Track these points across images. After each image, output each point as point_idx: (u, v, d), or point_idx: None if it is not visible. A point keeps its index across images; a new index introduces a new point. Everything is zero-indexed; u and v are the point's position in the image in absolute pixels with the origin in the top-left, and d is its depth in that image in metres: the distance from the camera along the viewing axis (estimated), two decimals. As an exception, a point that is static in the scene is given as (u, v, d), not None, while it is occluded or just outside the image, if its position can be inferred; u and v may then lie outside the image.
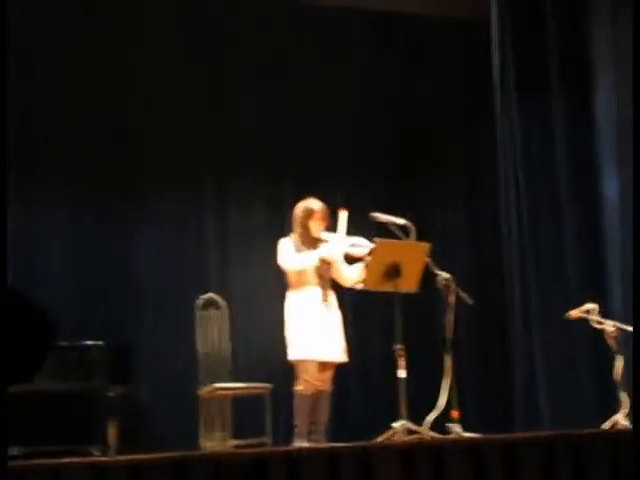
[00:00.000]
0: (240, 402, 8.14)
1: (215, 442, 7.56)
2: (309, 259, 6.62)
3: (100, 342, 7.36)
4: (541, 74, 9.13)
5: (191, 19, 9.14)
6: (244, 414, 8.16)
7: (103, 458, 6.56)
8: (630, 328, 6.90)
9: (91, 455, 7.26)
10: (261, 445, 7.43)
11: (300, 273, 6.68)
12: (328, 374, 6.72)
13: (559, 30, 9.09)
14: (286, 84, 9.36)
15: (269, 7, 9.31)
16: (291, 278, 6.74)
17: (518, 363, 8.94)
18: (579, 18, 9.04)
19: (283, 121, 9.31)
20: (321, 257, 6.65)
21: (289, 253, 6.68)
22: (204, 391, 7.52)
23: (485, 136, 9.69)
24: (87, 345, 7.32)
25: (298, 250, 6.70)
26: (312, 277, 6.67)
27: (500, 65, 9.21)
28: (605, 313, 7.35)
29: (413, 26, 9.82)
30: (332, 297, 6.78)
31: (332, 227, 6.77)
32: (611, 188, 8.63)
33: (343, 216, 6.65)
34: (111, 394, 7.36)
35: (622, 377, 6.76)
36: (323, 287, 6.69)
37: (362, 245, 6.62)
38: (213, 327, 7.86)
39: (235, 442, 7.63)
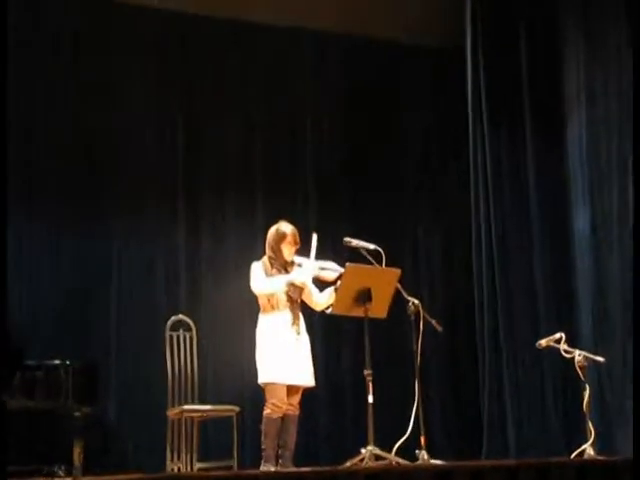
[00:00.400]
0: (208, 424, 8.10)
1: (181, 464, 7.50)
2: (279, 283, 6.60)
3: (68, 361, 7.30)
4: (514, 105, 9.20)
5: (161, 46, 9.18)
6: (212, 436, 8.11)
7: (67, 479, 6.50)
8: (598, 358, 6.92)
9: (56, 475, 7.18)
10: (227, 468, 7.38)
11: (271, 297, 6.64)
12: (296, 398, 6.67)
13: (532, 63, 9.17)
14: (258, 108, 9.41)
15: (241, 30, 9.37)
16: (262, 301, 6.71)
17: (487, 391, 8.93)
18: (553, 53, 9.10)
19: (255, 145, 9.37)
20: (291, 282, 6.63)
21: (260, 277, 6.65)
22: (172, 412, 7.47)
23: (457, 165, 9.76)
24: (55, 364, 7.24)
25: (269, 273, 6.66)
26: (283, 301, 6.63)
27: (472, 95, 9.27)
28: (574, 343, 7.37)
29: (386, 51, 9.92)
30: (302, 321, 6.74)
31: (303, 250, 6.75)
32: (581, 219, 8.68)
33: (315, 239, 6.65)
34: (78, 414, 7.27)
35: (589, 407, 6.77)
36: (293, 311, 6.65)
37: (333, 269, 6.60)
38: (182, 348, 7.82)
39: (201, 465, 7.57)
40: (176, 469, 7.42)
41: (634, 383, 5.97)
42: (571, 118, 8.86)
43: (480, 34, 9.22)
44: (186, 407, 7.44)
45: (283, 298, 6.64)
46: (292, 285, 6.65)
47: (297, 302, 6.72)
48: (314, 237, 6.63)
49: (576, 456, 6.74)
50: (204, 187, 9.16)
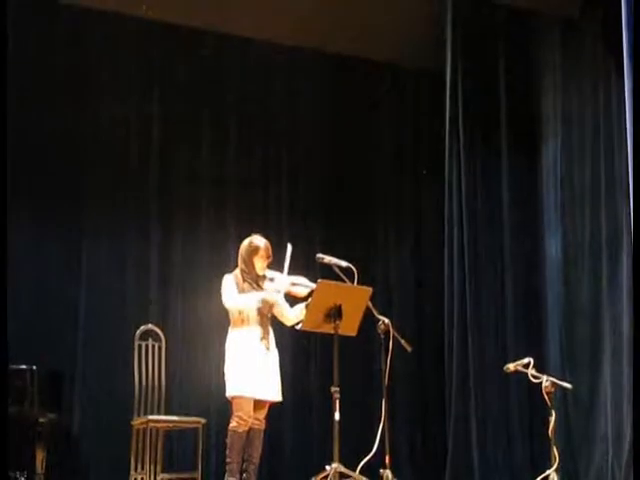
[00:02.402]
0: (173, 435, 8.05)
1: (145, 475, 7.45)
2: (251, 301, 6.58)
3: (34, 367, 7.23)
4: (490, 126, 9.20)
5: (140, 53, 9.14)
6: (177, 448, 8.06)
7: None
8: (566, 384, 6.92)
9: (17, 482, 7.13)
10: (191, 480, 7.35)
11: (241, 311, 6.61)
12: (263, 412, 6.64)
13: (509, 85, 9.16)
14: (233, 120, 9.42)
15: (219, 42, 9.35)
16: (232, 315, 6.67)
17: (453, 412, 8.89)
18: (530, 76, 9.13)
19: (229, 158, 9.36)
20: (264, 299, 6.61)
21: (231, 291, 6.61)
22: (137, 422, 7.42)
23: (433, 186, 9.76)
24: (20, 369, 7.18)
25: (241, 287, 6.63)
26: (253, 315, 6.59)
27: (450, 115, 9.24)
28: (542, 367, 7.37)
29: (364, 69, 9.91)
30: (271, 336, 6.71)
31: (276, 265, 6.72)
32: (552, 244, 8.70)
33: (289, 249, 6.61)
34: (42, 420, 7.22)
35: (554, 433, 6.77)
36: (263, 326, 6.62)
37: (304, 285, 6.57)
38: (151, 358, 7.77)
39: (165, 476, 7.52)
40: (139, 479, 7.37)
41: (634, 383, 5.96)
42: (546, 141, 8.89)
43: (459, 55, 9.20)
44: (151, 417, 7.38)
45: (254, 313, 6.60)
46: (264, 302, 6.62)
47: (267, 317, 6.68)
48: (289, 247, 6.60)
49: (540, 482, 6.73)
50: (177, 198, 9.11)
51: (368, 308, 6.45)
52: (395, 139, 10.12)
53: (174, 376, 8.32)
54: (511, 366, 6.98)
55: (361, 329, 6.48)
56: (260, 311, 6.63)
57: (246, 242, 6.79)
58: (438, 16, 9.27)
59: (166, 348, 7.85)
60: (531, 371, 6.87)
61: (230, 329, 6.68)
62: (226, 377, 6.59)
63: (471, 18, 9.24)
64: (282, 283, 6.58)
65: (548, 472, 6.69)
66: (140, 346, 7.73)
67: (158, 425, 7.45)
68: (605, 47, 8.07)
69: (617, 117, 7.85)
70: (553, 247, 8.68)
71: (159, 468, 7.51)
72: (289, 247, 6.58)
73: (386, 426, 6.35)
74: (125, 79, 9.01)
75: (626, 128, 6.99)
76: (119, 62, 8.97)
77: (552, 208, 8.71)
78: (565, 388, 7.01)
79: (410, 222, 10.07)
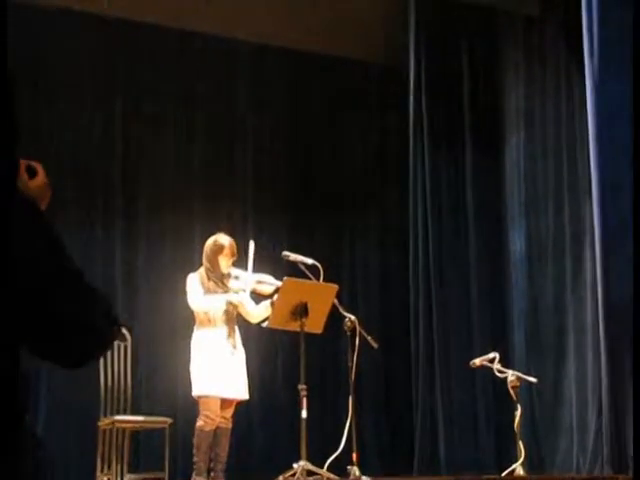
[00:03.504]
0: (140, 435, 7.99)
1: (112, 475, 7.38)
2: (216, 303, 6.55)
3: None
4: (454, 126, 9.25)
5: (101, 54, 9.05)
6: (144, 448, 8.00)
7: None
8: (531, 378, 6.95)
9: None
10: (158, 480, 7.30)
11: (207, 311, 6.58)
12: (230, 411, 6.61)
13: (473, 84, 9.24)
14: (198, 119, 9.38)
15: (183, 39, 9.29)
16: (198, 314, 6.63)
17: (420, 407, 8.93)
18: (493, 76, 9.18)
19: (194, 156, 9.31)
20: (229, 302, 6.58)
21: (196, 292, 6.57)
22: (103, 423, 7.36)
23: (398, 182, 9.78)
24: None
25: (206, 286, 6.59)
26: (219, 315, 6.56)
27: (414, 114, 9.30)
28: (507, 362, 7.40)
29: (328, 67, 9.88)
30: (237, 334, 6.68)
31: (241, 263, 6.68)
32: (516, 240, 8.74)
33: (252, 247, 6.59)
34: (7, 422, 7.12)
35: (520, 427, 6.79)
36: (229, 324, 6.58)
37: (270, 282, 6.54)
38: (117, 358, 7.70)
39: (132, 476, 7.46)
40: (106, 480, 7.32)
41: (634, 385, 5.99)
42: (509, 140, 8.94)
43: (423, 55, 9.24)
44: (118, 418, 7.31)
45: (219, 312, 6.57)
46: (229, 304, 6.60)
47: (233, 315, 6.65)
48: (251, 245, 6.57)
49: (507, 475, 6.76)
50: (142, 197, 9.03)
51: (334, 305, 6.44)
52: (361, 137, 10.10)
53: (141, 376, 8.25)
54: (477, 361, 7.00)
55: (327, 326, 6.47)
56: (226, 310, 6.60)
57: (211, 241, 6.74)
58: (402, 15, 9.28)
59: (132, 348, 7.77)
60: (496, 366, 6.89)
61: (196, 328, 6.65)
62: (192, 376, 6.56)
63: (434, 17, 9.27)
64: (247, 281, 6.55)
65: (514, 465, 6.72)
66: (106, 346, 7.64)
67: (125, 425, 7.38)
68: (566, 45, 8.11)
69: (579, 115, 7.88)
70: (517, 244, 8.72)
71: (126, 468, 7.43)
72: (251, 244, 6.56)
73: (353, 423, 6.34)
74: (88, 78, 8.93)
75: (588, 126, 7.06)
76: (78, 60, 8.89)
77: (516, 205, 8.76)
78: (530, 382, 7.04)
79: (376, 220, 10.06)
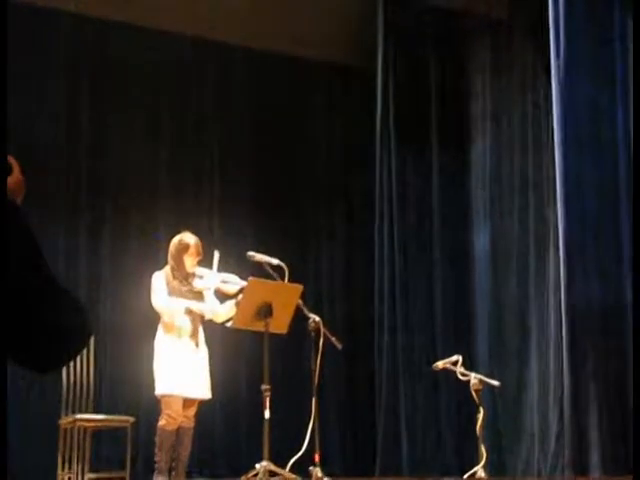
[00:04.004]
0: (102, 434, 7.94)
1: (72, 474, 7.31)
2: (178, 307, 6.51)
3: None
4: (421, 125, 9.27)
5: (67, 51, 9.01)
6: (105, 447, 7.95)
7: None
8: (493, 382, 6.95)
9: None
10: (119, 479, 7.24)
11: (166, 312, 6.54)
12: (192, 410, 6.58)
13: (440, 84, 9.26)
14: (163, 118, 9.35)
15: (147, 37, 9.23)
16: (162, 314, 6.58)
17: (382, 408, 8.93)
18: (461, 76, 9.20)
19: (159, 155, 9.28)
20: (188, 309, 6.54)
21: (160, 292, 6.54)
22: (64, 421, 7.29)
23: (364, 182, 9.78)
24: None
25: (171, 285, 6.55)
26: (182, 313, 6.54)
27: (381, 113, 9.31)
28: (471, 364, 7.41)
29: (291, 67, 9.85)
30: (201, 333, 6.65)
31: (206, 263, 6.65)
32: (481, 240, 8.76)
33: (216, 257, 6.56)
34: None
35: (482, 430, 6.79)
36: (193, 323, 6.55)
37: (234, 282, 6.52)
38: (79, 356, 7.62)
39: (92, 475, 7.40)
40: (67, 479, 7.25)
41: (634, 388, 6.02)
42: (476, 140, 8.96)
43: (391, 53, 9.26)
44: (79, 416, 7.25)
45: (181, 313, 6.54)
46: (189, 311, 6.55)
47: (197, 314, 6.61)
48: (216, 255, 6.56)
49: (468, 477, 6.76)
50: (107, 194, 8.98)
51: (299, 306, 6.41)
52: (327, 137, 10.11)
53: (103, 374, 8.23)
54: (440, 364, 6.99)
55: (292, 327, 6.45)
56: (189, 311, 6.57)
57: (176, 239, 6.71)
58: (370, 15, 9.27)
59: (95, 345, 7.71)
60: (459, 369, 6.88)
61: (159, 326, 6.61)
62: (155, 375, 6.52)
63: (402, 18, 9.26)
64: (212, 280, 6.53)
65: (476, 468, 6.72)
66: (68, 344, 7.58)
67: (86, 424, 7.31)
68: (534, 47, 8.14)
69: (545, 117, 7.91)
70: (482, 243, 8.74)
71: (87, 467, 7.37)
72: (216, 255, 6.54)
73: (316, 424, 6.31)
74: (53, 75, 8.87)
75: (554, 127, 7.09)
76: (45, 55, 8.82)
77: (481, 205, 8.79)
78: (493, 386, 7.04)
79: (341, 220, 10.07)
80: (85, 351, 7.58)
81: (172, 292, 6.55)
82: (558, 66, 7.05)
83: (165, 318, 6.55)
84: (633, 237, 6.33)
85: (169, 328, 6.55)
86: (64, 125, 8.90)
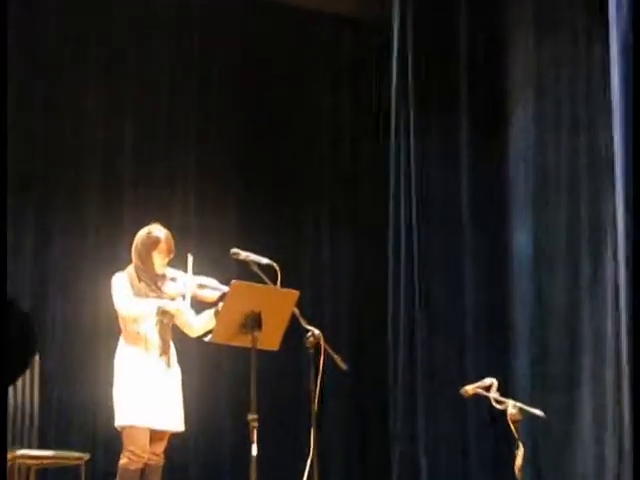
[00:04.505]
0: (49, 474, 7.97)
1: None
2: (148, 307, 6.57)
3: None
4: (447, 90, 9.28)
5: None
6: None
7: None
8: (537, 412, 6.95)
9: None
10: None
11: (136, 319, 6.61)
12: (161, 445, 6.65)
13: (472, 42, 9.24)
14: (129, 84, 9.39)
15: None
16: (124, 323, 6.66)
17: (398, 442, 9.00)
18: (497, 33, 9.17)
19: (124, 130, 9.34)
20: (162, 309, 6.61)
21: (125, 294, 6.60)
22: (2, 459, 7.32)
23: (375, 165, 9.86)
24: None
25: (136, 287, 6.63)
26: (150, 324, 6.60)
27: (397, 75, 9.37)
28: (507, 388, 7.40)
29: (290, 17, 9.92)
30: (173, 350, 6.72)
31: (178, 264, 6.71)
32: (521, 235, 8.74)
33: (190, 260, 6.61)
34: None
35: (521, 470, 6.79)
36: (163, 337, 6.62)
37: (214, 287, 6.58)
38: (21, 381, 7.66)
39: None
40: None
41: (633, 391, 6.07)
42: (515, 116, 8.93)
43: (411, 8, 9.27)
44: (21, 452, 7.28)
45: (151, 321, 6.60)
46: (164, 312, 6.60)
47: (168, 327, 6.68)
48: (189, 259, 6.61)
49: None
50: (58, 182, 9.02)
51: (294, 316, 6.41)
52: (330, 106, 10.14)
53: (51, 400, 8.25)
54: (469, 388, 6.97)
55: (285, 342, 6.48)
56: (159, 320, 6.63)
57: (143, 232, 6.77)
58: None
59: (41, 365, 7.74)
60: (494, 394, 6.86)
61: (121, 342, 6.67)
62: (115, 402, 6.57)
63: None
64: (186, 285, 6.58)
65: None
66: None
67: (29, 462, 7.34)
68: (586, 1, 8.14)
69: (601, 87, 7.86)
70: (522, 243, 8.72)
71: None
72: (190, 259, 6.60)
73: (315, 460, 6.30)
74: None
75: (612, 100, 7.05)
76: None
77: (521, 195, 8.75)
78: (535, 415, 7.04)
79: (346, 212, 10.10)
80: (28, 372, 7.61)
81: (137, 297, 6.61)
82: (619, 24, 6.98)
83: (128, 327, 6.61)
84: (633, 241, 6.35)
85: (133, 339, 6.60)
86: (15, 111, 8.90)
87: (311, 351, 6.40)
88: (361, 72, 10.17)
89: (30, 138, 8.87)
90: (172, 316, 6.71)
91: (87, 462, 7.42)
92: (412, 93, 9.26)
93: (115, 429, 6.59)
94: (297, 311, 6.43)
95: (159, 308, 6.60)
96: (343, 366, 6.51)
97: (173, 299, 6.70)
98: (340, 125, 10.17)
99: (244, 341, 6.29)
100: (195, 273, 6.59)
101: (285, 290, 6.42)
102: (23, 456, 7.28)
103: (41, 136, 8.97)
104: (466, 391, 6.96)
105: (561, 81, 8.44)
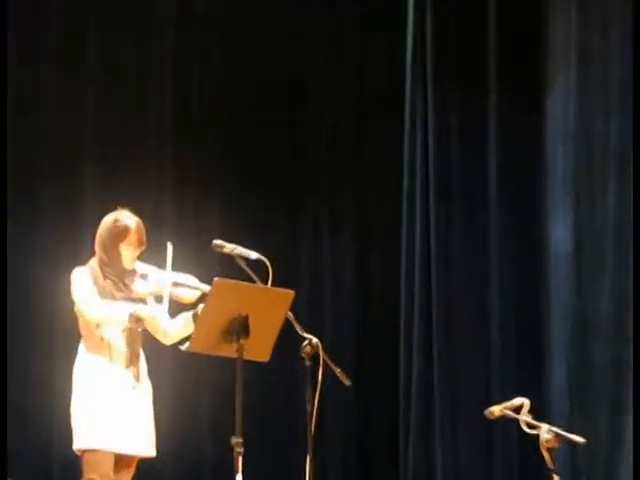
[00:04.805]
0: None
1: None
2: (119, 313, 6.49)
3: None
4: (473, 56, 9.28)
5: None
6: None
7: None
8: (576, 438, 6.86)
9: None
10: None
11: (100, 324, 6.53)
12: (128, 474, 6.59)
13: (502, 3, 9.21)
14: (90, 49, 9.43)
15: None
16: (84, 328, 6.58)
17: (410, 471, 9.02)
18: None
19: (86, 98, 9.37)
20: (136, 316, 6.51)
21: (88, 293, 6.52)
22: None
23: (385, 143, 9.84)
24: None
25: (100, 285, 6.55)
26: (115, 329, 6.53)
27: (414, 38, 9.40)
28: (541, 411, 7.33)
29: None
30: (142, 361, 6.67)
31: (152, 257, 6.63)
32: (560, 228, 8.69)
33: (170, 250, 6.53)
34: None
35: (557, 504, 6.75)
36: (131, 345, 6.55)
37: (192, 286, 6.50)
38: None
39: None
40: None
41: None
42: (554, 82, 8.87)
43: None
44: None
45: (118, 327, 6.53)
46: (135, 319, 6.50)
47: (137, 332, 6.60)
48: (169, 248, 6.52)
49: None
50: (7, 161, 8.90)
51: (288, 321, 6.35)
52: (335, 74, 10.06)
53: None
54: (496, 409, 6.91)
55: (277, 352, 6.40)
56: (127, 327, 6.57)
57: (109, 220, 6.69)
58: None
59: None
60: (525, 417, 6.80)
61: (82, 348, 6.60)
62: (74, 421, 6.53)
63: None
64: (159, 282, 6.51)
65: None
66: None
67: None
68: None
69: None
70: (560, 238, 8.67)
71: None
72: (169, 247, 6.51)
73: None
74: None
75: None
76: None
77: (560, 180, 8.72)
78: (574, 442, 6.95)
79: (351, 197, 10.02)
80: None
81: (102, 297, 6.53)
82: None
83: (90, 331, 6.53)
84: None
85: (96, 346, 6.53)
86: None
87: (308, 363, 6.33)
88: (371, 33, 10.09)
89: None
90: (143, 321, 6.62)
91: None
92: (430, 58, 9.32)
93: (73, 453, 6.53)
94: (292, 315, 6.36)
95: (131, 315, 6.50)
96: (346, 381, 6.50)
97: (143, 300, 6.62)
98: (346, 96, 10.09)
99: (228, 350, 6.23)
100: (172, 268, 6.49)
101: (278, 290, 6.36)
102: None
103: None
104: (492, 412, 6.92)
105: (610, 44, 8.40)
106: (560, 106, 8.86)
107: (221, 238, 6.55)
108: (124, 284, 6.58)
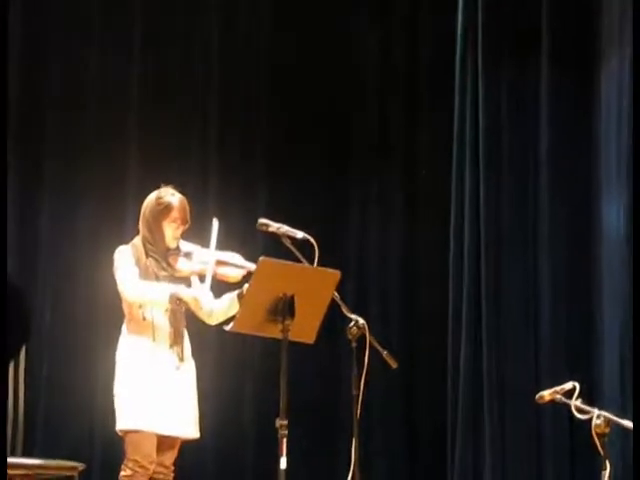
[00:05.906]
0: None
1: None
2: (159, 293, 6.56)
3: None
4: (523, 37, 9.21)
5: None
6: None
7: None
8: (627, 423, 6.87)
9: None
10: None
11: (143, 304, 6.61)
12: (171, 455, 6.68)
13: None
14: (136, 27, 9.47)
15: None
16: (131, 309, 6.66)
17: (458, 455, 9.01)
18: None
19: (131, 85, 9.41)
20: (175, 296, 6.60)
21: (130, 274, 6.59)
22: (-18, 468, 7.33)
23: (433, 121, 9.82)
24: None
25: (143, 264, 6.64)
26: (159, 309, 6.61)
27: (464, 14, 9.36)
28: (592, 396, 7.33)
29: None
30: (186, 341, 6.73)
31: (195, 235, 6.67)
32: (613, 210, 8.66)
33: (215, 227, 6.60)
34: None
35: (610, 491, 6.76)
36: (174, 325, 6.63)
37: (237, 264, 6.57)
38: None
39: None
40: None
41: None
42: (608, 60, 8.84)
43: None
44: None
45: (161, 308, 6.61)
46: (178, 300, 6.58)
47: (181, 312, 6.68)
48: (214, 224, 6.60)
49: None
50: (45, 141, 9.10)
51: (334, 301, 6.37)
52: (378, 54, 10.03)
53: (37, 401, 8.34)
54: (546, 394, 6.92)
55: (323, 333, 6.41)
56: (170, 304, 6.62)
57: (152, 197, 6.78)
58: None
59: (26, 361, 7.74)
60: (576, 402, 6.81)
61: (125, 331, 6.68)
62: (117, 402, 6.59)
63: None
64: (204, 261, 6.57)
65: None
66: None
67: (13, 472, 7.34)
68: None
69: None
70: (614, 219, 8.64)
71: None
72: (215, 224, 6.59)
73: (358, 474, 6.29)
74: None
75: None
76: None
77: (613, 160, 8.67)
78: (626, 428, 6.96)
79: (398, 177, 9.99)
80: (12, 369, 7.61)
81: (146, 276, 6.61)
82: None
83: (133, 312, 6.61)
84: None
85: (139, 326, 6.61)
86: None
87: (354, 345, 6.39)
88: (416, 10, 10.04)
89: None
90: (186, 303, 6.71)
91: (81, 473, 7.43)
92: (481, 33, 9.24)
93: (116, 434, 6.60)
94: (338, 296, 6.38)
95: (172, 296, 6.59)
96: (393, 363, 6.56)
97: (187, 279, 6.69)
98: (390, 75, 10.05)
99: (273, 331, 6.24)
100: (216, 247, 6.52)
101: (324, 270, 6.36)
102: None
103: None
104: (542, 397, 6.92)
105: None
106: (613, 82, 8.79)
107: (267, 217, 6.60)
108: (167, 263, 6.65)
